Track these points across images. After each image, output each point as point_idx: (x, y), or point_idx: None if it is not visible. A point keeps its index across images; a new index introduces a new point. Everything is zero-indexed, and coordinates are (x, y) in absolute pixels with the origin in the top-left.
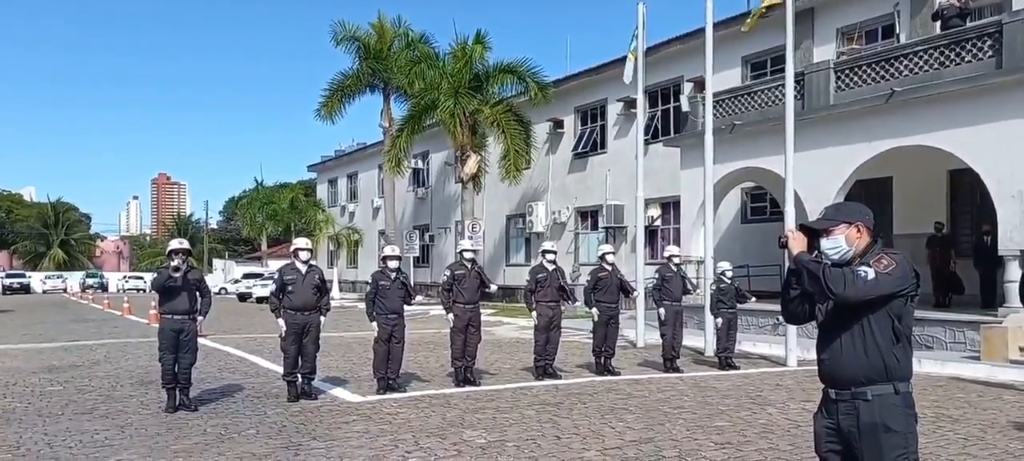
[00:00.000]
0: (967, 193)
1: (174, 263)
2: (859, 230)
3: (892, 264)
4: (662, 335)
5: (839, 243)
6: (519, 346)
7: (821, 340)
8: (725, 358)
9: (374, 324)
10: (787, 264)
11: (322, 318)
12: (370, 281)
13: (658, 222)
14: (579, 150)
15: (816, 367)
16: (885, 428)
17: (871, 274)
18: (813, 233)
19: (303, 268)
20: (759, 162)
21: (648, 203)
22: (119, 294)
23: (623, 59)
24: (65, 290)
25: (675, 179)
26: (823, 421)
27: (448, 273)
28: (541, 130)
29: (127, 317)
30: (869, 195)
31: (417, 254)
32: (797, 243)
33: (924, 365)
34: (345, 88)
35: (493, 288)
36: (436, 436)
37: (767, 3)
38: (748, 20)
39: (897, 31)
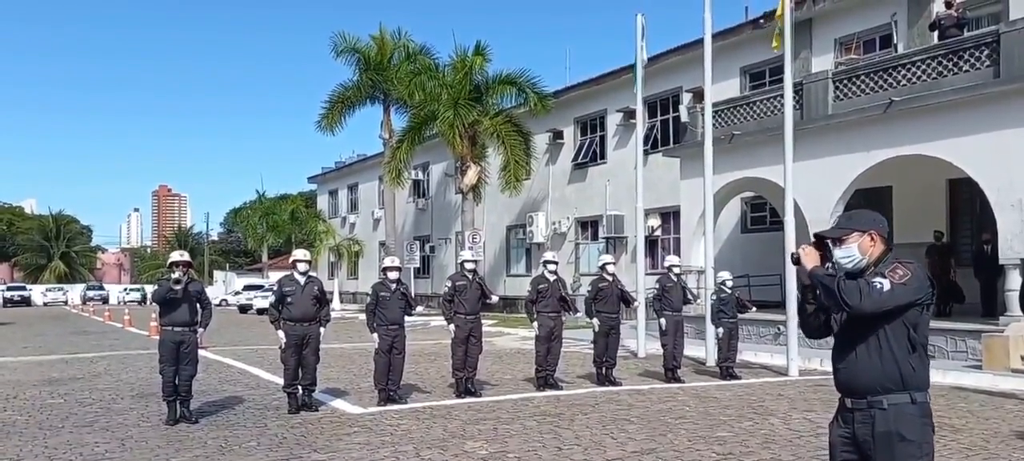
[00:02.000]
0: (966, 202)
1: (175, 275)
2: (873, 238)
3: (907, 274)
4: (663, 345)
5: (852, 252)
6: (520, 357)
7: (837, 349)
8: (726, 368)
9: (374, 335)
10: (792, 276)
11: (322, 329)
12: (370, 292)
13: (658, 232)
14: (579, 160)
15: (817, 377)
16: (900, 437)
17: (886, 285)
18: (827, 244)
19: (301, 279)
20: (758, 172)
21: (648, 213)
22: (120, 306)
23: (623, 70)
24: (66, 303)
25: (675, 189)
26: (838, 430)
27: (449, 284)
28: (541, 141)
29: (128, 329)
30: (869, 204)
31: (418, 265)
32: (810, 258)
33: None
34: (345, 100)
35: (494, 299)
36: (437, 447)
37: (779, 13)
38: (775, 35)
39: (895, 41)
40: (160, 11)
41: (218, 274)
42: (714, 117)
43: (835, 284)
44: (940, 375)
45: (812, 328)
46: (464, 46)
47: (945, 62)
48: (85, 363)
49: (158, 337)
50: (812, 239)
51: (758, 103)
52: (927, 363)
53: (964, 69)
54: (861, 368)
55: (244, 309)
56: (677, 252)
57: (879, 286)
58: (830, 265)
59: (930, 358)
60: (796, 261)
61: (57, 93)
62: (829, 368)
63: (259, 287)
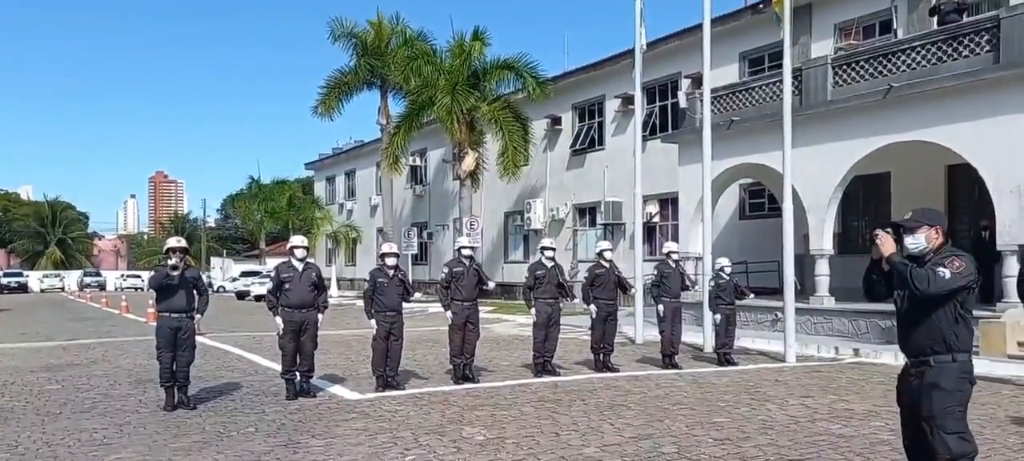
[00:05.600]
0: (965, 188)
1: (172, 261)
2: (937, 232)
3: (962, 265)
4: (661, 331)
5: (920, 241)
6: (518, 343)
7: (901, 320)
8: (724, 354)
9: (372, 321)
10: (789, 263)
11: (320, 316)
12: (368, 279)
13: (656, 218)
14: (577, 147)
15: (814, 363)
16: (937, 386)
17: (947, 274)
18: (897, 228)
19: (299, 266)
20: (757, 158)
21: (646, 199)
22: (117, 292)
23: (621, 55)
24: (63, 289)
25: (673, 175)
26: (902, 381)
27: (446, 270)
28: (539, 127)
29: (125, 315)
30: (867, 190)
31: (415, 251)
32: (887, 245)
33: None
34: (343, 85)
35: (491, 285)
36: (435, 433)
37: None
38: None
39: (895, 26)
40: (157, 2)
41: (215, 260)
42: (713, 103)
43: (908, 272)
44: None
45: (873, 293)
46: (462, 31)
47: (944, 47)
48: (83, 349)
49: (155, 323)
50: (887, 227)
51: (757, 89)
52: (971, 329)
53: (963, 54)
54: (919, 334)
55: (242, 296)
56: (675, 238)
57: (942, 274)
58: (901, 248)
59: (975, 325)
60: (873, 241)
61: (54, 80)
62: (825, 355)
63: (256, 273)
